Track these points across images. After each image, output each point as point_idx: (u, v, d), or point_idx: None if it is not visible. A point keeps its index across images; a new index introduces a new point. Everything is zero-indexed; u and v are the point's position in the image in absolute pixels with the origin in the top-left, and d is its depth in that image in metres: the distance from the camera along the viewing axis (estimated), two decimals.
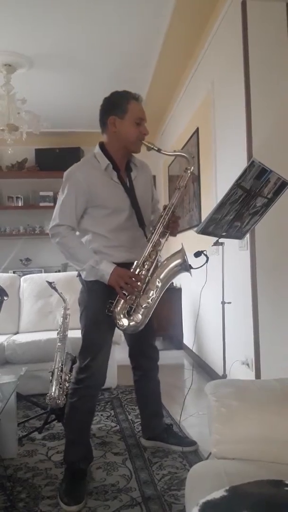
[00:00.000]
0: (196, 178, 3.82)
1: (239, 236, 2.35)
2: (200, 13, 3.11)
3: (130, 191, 1.97)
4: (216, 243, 2.32)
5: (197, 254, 2.24)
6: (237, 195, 2.03)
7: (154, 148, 1.90)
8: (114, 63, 3.80)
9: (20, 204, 5.55)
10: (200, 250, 2.25)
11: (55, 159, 5.32)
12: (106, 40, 3.42)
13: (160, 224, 1.91)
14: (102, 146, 1.98)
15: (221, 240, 2.33)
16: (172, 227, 1.94)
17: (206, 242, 2.49)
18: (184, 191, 1.93)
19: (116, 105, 1.91)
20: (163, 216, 1.92)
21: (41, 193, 5.54)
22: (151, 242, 1.90)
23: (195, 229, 2.15)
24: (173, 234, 1.96)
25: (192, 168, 1.91)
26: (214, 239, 2.33)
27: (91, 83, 4.17)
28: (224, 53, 3.03)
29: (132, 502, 1.76)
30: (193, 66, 3.76)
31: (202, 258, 2.19)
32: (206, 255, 2.20)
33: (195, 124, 3.83)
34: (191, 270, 1.93)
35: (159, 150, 1.91)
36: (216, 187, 3.21)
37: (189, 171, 1.91)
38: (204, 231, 2.18)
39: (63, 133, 5.43)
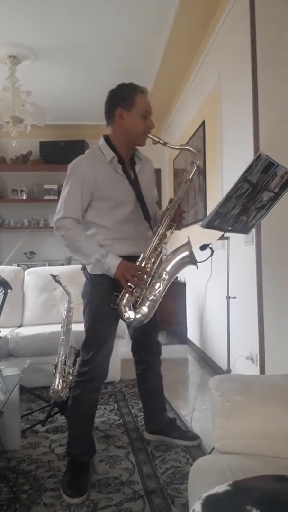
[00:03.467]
0: (201, 172, 3.79)
1: (245, 230, 2.32)
2: (207, 4, 3.07)
3: (135, 184, 1.96)
4: (222, 238, 2.30)
5: (203, 248, 2.24)
6: (243, 189, 2.00)
7: (160, 141, 1.89)
8: (119, 56, 3.77)
9: (24, 197, 5.54)
10: (205, 243, 2.24)
11: (59, 152, 5.30)
12: (111, 33, 3.39)
13: (167, 217, 1.90)
14: (107, 138, 1.96)
15: (226, 234, 2.31)
16: (178, 220, 1.93)
17: (211, 236, 2.47)
18: (190, 184, 1.92)
19: (124, 97, 1.89)
20: (169, 209, 1.91)
21: (46, 186, 5.54)
22: (157, 235, 1.89)
23: (201, 223, 2.13)
24: (179, 227, 1.95)
25: (198, 162, 1.90)
26: (220, 233, 2.32)
27: (96, 75, 4.14)
28: (231, 45, 2.99)
29: (135, 495, 1.76)
30: (199, 58, 3.73)
31: (208, 252, 2.19)
32: (211, 248, 2.20)
33: (201, 117, 3.80)
34: (197, 263, 1.93)
35: (165, 144, 1.91)
36: (222, 180, 3.18)
37: (195, 165, 1.91)
38: (209, 225, 2.16)
39: (67, 126, 5.41)
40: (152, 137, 1.89)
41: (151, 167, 2.15)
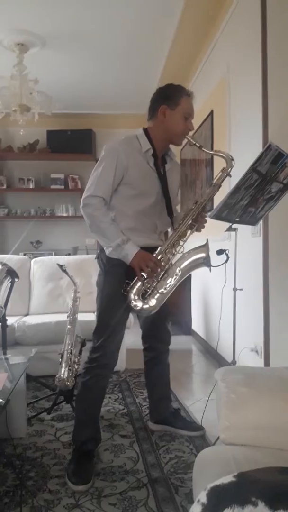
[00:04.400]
0: (209, 162, 3.76)
1: (253, 222, 2.31)
2: None
3: (163, 179, 2.01)
4: (229, 229, 2.29)
5: (219, 252, 2.28)
6: (252, 179, 1.99)
7: (196, 144, 1.94)
8: (127, 44, 3.73)
9: (31, 186, 5.53)
10: (222, 249, 2.29)
11: (66, 141, 5.27)
12: (119, 21, 3.35)
13: (190, 217, 1.94)
14: (146, 131, 2.00)
15: (234, 226, 2.30)
16: (200, 222, 1.97)
17: (217, 228, 2.46)
18: (217, 189, 1.96)
19: (170, 96, 1.95)
20: (193, 209, 1.96)
21: (52, 176, 5.52)
22: (177, 232, 1.93)
23: (208, 214, 2.12)
24: (199, 229, 1.99)
25: (230, 169, 1.93)
26: (227, 224, 2.30)
27: (104, 64, 4.10)
28: (240, 35, 2.94)
29: (139, 484, 1.78)
30: (208, 47, 3.67)
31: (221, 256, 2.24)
32: (227, 255, 2.24)
33: (210, 107, 3.76)
34: (211, 267, 1.98)
35: (200, 147, 1.96)
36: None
37: (225, 173, 1.94)
38: (217, 216, 2.15)
39: (75, 115, 5.37)
40: (190, 139, 1.95)
41: (178, 171, 2.23)
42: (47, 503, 1.65)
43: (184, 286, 4.62)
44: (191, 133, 2.01)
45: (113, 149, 1.93)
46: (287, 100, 2.31)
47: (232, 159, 1.92)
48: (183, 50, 3.85)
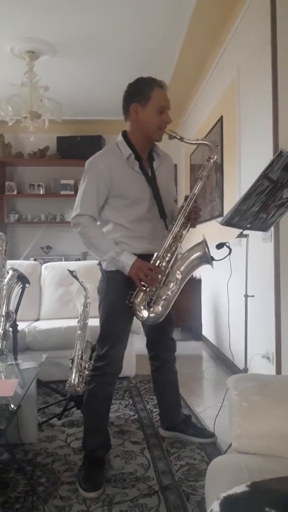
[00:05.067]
0: (219, 168, 3.76)
1: (264, 228, 2.30)
2: None
3: (151, 181, 1.95)
4: (240, 235, 2.28)
5: (219, 246, 2.21)
6: (263, 186, 1.98)
7: (176, 136, 1.86)
8: (137, 49, 3.75)
9: (41, 192, 5.58)
10: (222, 241, 2.22)
11: (76, 147, 5.32)
12: (129, 26, 3.37)
13: (181, 215, 1.88)
14: (124, 134, 1.95)
15: (245, 232, 2.29)
16: (194, 218, 1.91)
17: (228, 234, 2.45)
18: (206, 181, 1.89)
19: (139, 92, 1.87)
20: (184, 206, 1.89)
21: (62, 181, 5.56)
22: (171, 234, 1.88)
23: (219, 220, 2.11)
24: (193, 225, 1.94)
25: (216, 157, 1.86)
26: (237, 230, 2.29)
27: (114, 70, 4.13)
28: (251, 39, 2.94)
29: (150, 491, 1.77)
30: (218, 52, 3.68)
31: (225, 250, 2.16)
32: (228, 247, 2.17)
33: (219, 112, 3.76)
34: (213, 262, 1.91)
35: (181, 139, 1.87)
36: (240, 177, 3.15)
37: (212, 160, 1.87)
38: (228, 223, 2.14)
39: (85, 121, 5.41)
40: (168, 132, 1.86)
41: (170, 164, 2.14)
42: (58, 509, 1.65)
43: (194, 292, 4.61)
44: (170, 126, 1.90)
45: (92, 164, 1.91)
46: None
47: (217, 145, 1.84)
48: (193, 55, 3.86)
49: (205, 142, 1.90)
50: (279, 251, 2.48)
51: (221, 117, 3.71)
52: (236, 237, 2.29)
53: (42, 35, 3.50)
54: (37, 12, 3.16)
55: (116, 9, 3.12)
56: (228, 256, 2.11)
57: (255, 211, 2.10)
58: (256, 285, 2.64)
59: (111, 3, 3.04)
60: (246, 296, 2.36)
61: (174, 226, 1.88)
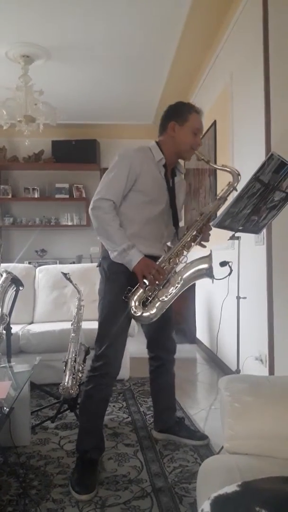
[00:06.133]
0: (212, 172, 3.78)
1: (256, 230, 2.32)
2: (220, 3, 3.06)
3: (171, 190, 2.06)
4: (232, 237, 2.30)
5: (223, 264, 2.29)
6: (255, 188, 2.00)
7: (204, 159, 1.98)
8: (131, 55, 3.78)
9: (36, 196, 5.59)
10: (226, 260, 2.30)
11: (71, 151, 5.32)
12: (123, 32, 3.40)
13: (194, 228, 1.97)
14: (157, 143, 2.06)
15: (237, 234, 2.31)
16: (204, 233, 2.00)
17: (221, 236, 2.47)
18: (222, 202, 2.00)
19: (179, 113, 2.01)
20: (198, 221, 1.99)
21: (57, 185, 5.57)
22: (182, 242, 1.96)
23: (211, 222, 2.13)
24: (205, 239, 2.01)
25: (236, 184, 1.96)
26: (230, 233, 2.31)
27: (108, 75, 4.15)
28: (243, 45, 2.98)
29: (143, 493, 1.77)
30: (211, 58, 3.71)
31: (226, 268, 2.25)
32: (230, 267, 2.25)
33: (213, 117, 3.79)
34: (214, 278, 1.99)
35: (208, 162, 1.99)
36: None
37: (231, 188, 1.98)
38: (220, 225, 2.16)
39: (79, 125, 5.43)
40: (198, 153, 1.99)
41: (185, 188, 2.27)
42: None
43: (188, 294, 4.62)
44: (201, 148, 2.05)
45: (127, 155, 1.97)
46: None
47: (239, 174, 1.94)
48: (187, 60, 3.89)
49: (227, 169, 1.98)
50: (272, 253, 2.50)
51: (215, 122, 3.74)
52: (228, 239, 2.31)
53: (37, 40, 3.52)
54: (32, 17, 3.18)
55: (110, 15, 3.15)
56: (228, 276, 2.21)
57: (247, 214, 2.12)
58: (249, 287, 2.66)
59: (105, 10, 3.07)
60: (238, 298, 2.37)
61: (186, 235, 1.97)
